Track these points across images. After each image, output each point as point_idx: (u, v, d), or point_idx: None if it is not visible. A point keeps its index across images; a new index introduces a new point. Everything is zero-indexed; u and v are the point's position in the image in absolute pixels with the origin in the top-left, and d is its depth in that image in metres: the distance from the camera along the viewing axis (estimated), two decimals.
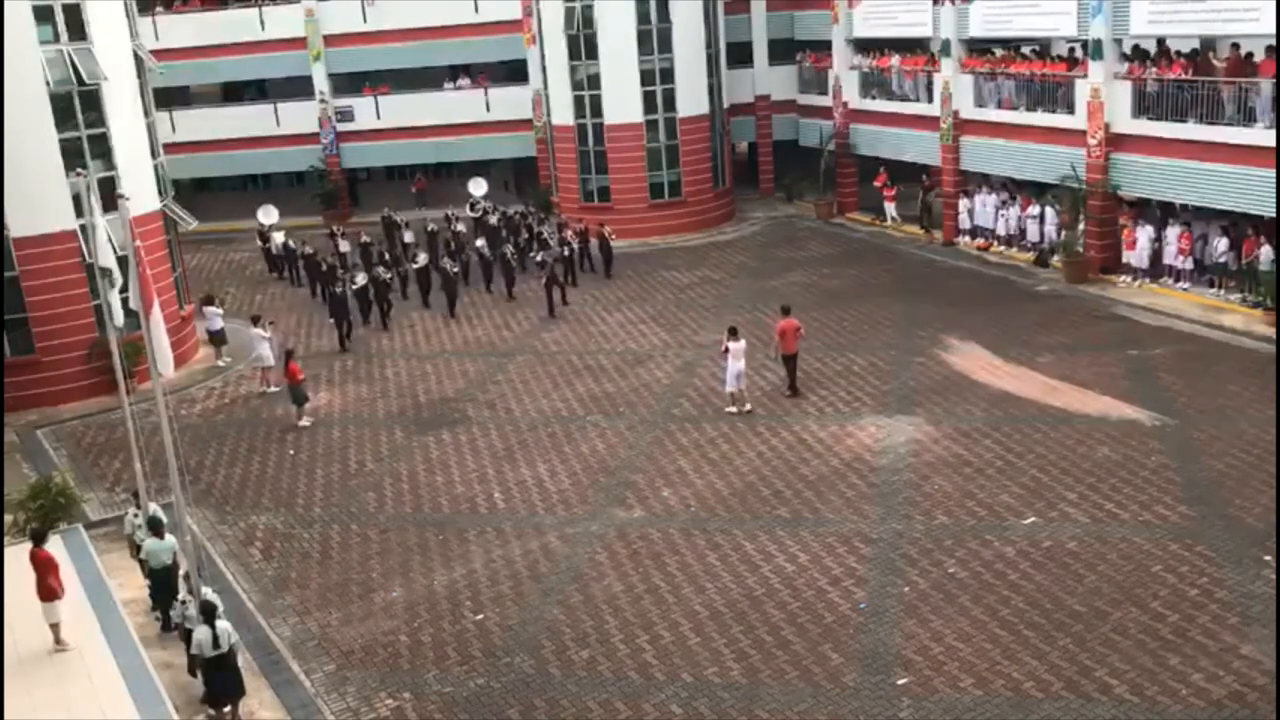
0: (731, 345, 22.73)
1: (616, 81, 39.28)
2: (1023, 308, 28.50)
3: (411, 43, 44.74)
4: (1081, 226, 30.50)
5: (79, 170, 22.97)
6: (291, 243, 37.06)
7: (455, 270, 32.71)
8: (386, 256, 35.33)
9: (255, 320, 27.46)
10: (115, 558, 18.53)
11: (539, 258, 33.80)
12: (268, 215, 39.95)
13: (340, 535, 19.32)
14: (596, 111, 39.83)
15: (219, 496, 21.30)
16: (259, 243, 39.68)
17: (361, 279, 31.79)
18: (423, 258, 33.46)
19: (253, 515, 20.38)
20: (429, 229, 36.65)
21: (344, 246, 37.14)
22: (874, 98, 39.20)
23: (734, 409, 23.04)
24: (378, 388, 26.73)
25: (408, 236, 37.37)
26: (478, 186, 41.89)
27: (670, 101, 39.78)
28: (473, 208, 40.48)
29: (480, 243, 35.07)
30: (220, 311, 29.77)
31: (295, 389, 24.66)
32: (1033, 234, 32.97)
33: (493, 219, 38.60)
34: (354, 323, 30.55)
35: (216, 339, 29.32)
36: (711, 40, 40.65)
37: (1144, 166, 28.75)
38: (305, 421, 24.57)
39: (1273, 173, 24.94)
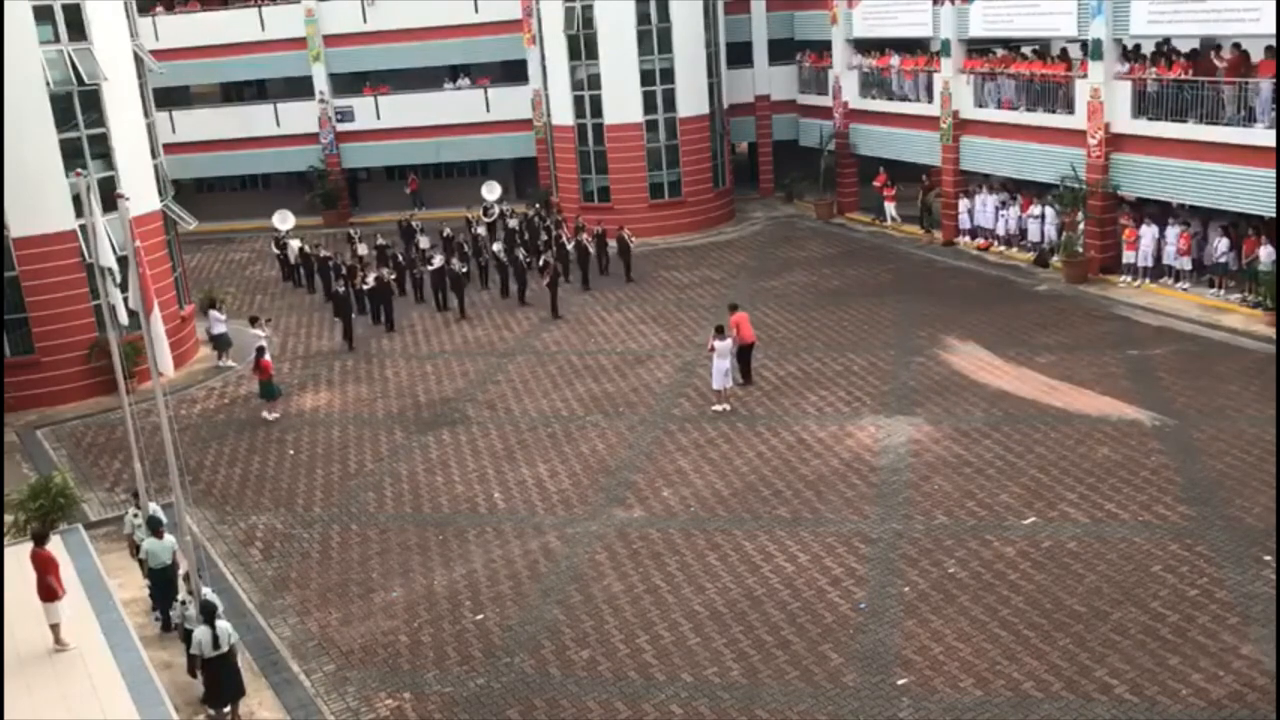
0: (717, 344, 22.84)
1: (616, 81, 39.28)
2: (1022, 308, 28.50)
3: (411, 43, 44.80)
4: (1081, 227, 30.50)
5: (79, 170, 22.98)
6: (307, 248, 36.94)
7: (464, 270, 32.74)
8: (400, 258, 35.39)
9: (254, 321, 27.43)
10: (115, 558, 18.55)
11: (543, 259, 33.80)
12: (283, 221, 39.41)
13: (340, 535, 19.32)
14: (596, 111, 39.82)
15: (219, 496, 21.30)
16: (274, 250, 39.48)
17: (371, 280, 31.83)
18: (438, 260, 33.48)
19: (253, 515, 20.38)
20: (444, 234, 36.62)
21: (361, 249, 37.11)
22: (874, 98, 39.20)
23: (722, 407, 23.11)
24: (378, 388, 26.73)
25: (424, 241, 37.35)
26: (491, 190, 41.77)
27: (670, 101, 39.77)
28: (486, 212, 40.40)
29: (497, 246, 35.05)
30: (223, 316, 29.65)
31: (266, 384, 25.17)
32: (1033, 234, 32.96)
33: (512, 222, 38.59)
34: (355, 321, 30.51)
35: (220, 342, 29.19)
36: (711, 40, 40.64)
37: (1144, 166, 28.76)
38: (274, 415, 25.06)
39: (1273, 173, 24.94)
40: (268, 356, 25.59)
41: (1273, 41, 25.31)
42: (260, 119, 46.85)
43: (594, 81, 39.57)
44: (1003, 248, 34.05)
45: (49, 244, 26.17)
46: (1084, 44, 30.05)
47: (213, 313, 29.53)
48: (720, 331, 23.33)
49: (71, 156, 25.99)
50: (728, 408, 23.15)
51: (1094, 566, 16.12)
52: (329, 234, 43.03)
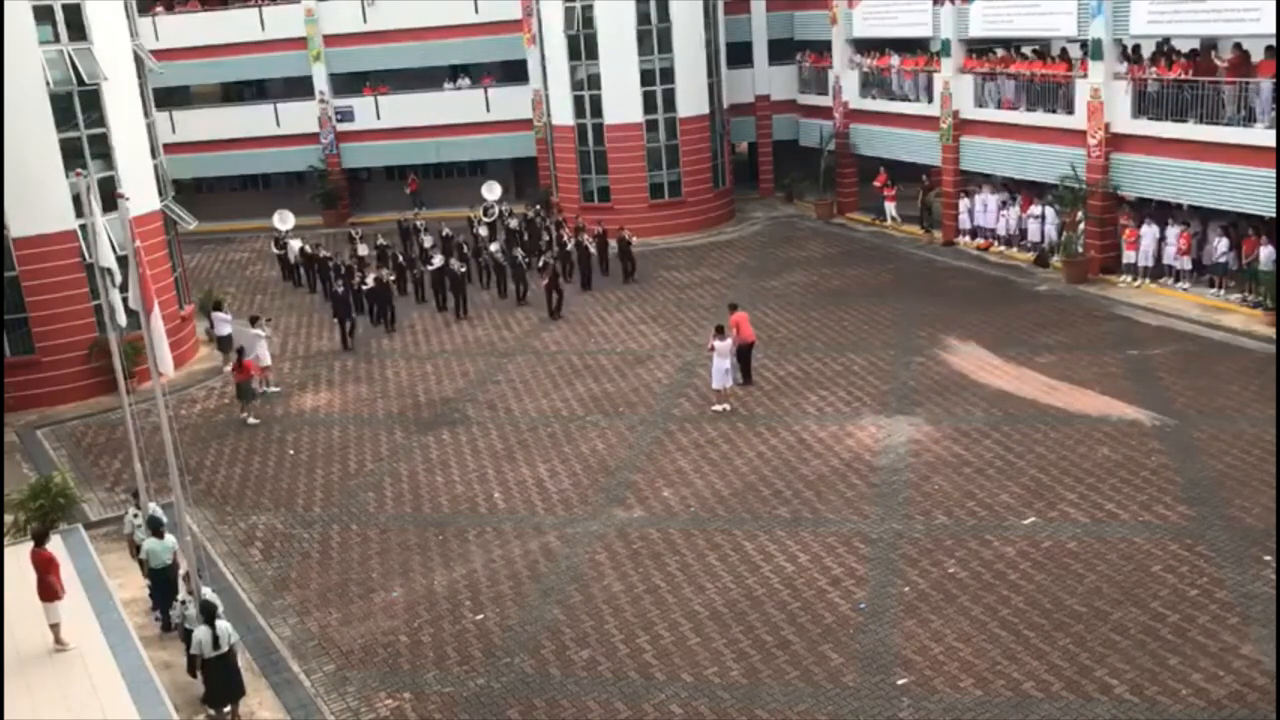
0: (717, 344, 22.85)
1: (616, 81, 39.28)
2: (1023, 308, 28.51)
3: (411, 43, 44.82)
4: (1081, 226, 30.51)
5: (79, 170, 22.98)
6: (308, 248, 36.97)
7: (463, 271, 32.76)
8: (400, 258, 35.40)
9: (254, 320, 27.42)
10: (115, 558, 18.55)
11: (542, 260, 33.80)
12: (284, 221, 39.42)
13: (340, 535, 19.32)
14: (596, 111, 39.83)
15: (219, 496, 21.30)
16: (274, 250, 39.47)
17: (370, 280, 31.84)
18: (438, 259, 33.50)
19: (253, 515, 20.38)
20: (443, 233, 36.64)
21: (362, 249, 37.10)
22: (874, 98, 39.20)
23: (722, 407, 23.13)
24: (378, 388, 26.73)
25: (426, 241, 37.37)
26: (491, 190, 41.80)
27: (670, 101, 39.78)
28: (486, 212, 40.41)
29: (494, 247, 35.06)
30: (229, 317, 29.54)
31: (242, 385, 25.08)
32: (1033, 234, 32.97)
33: (512, 222, 38.63)
34: (355, 321, 30.52)
35: (224, 345, 29.03)
36: (711, 40, 40.65)
37: (1144, 166, 28.76)
38: (253, 420, 24.90)
39: (1273, 173, 24.94)
40: (249, 358, 25.46)
41: (1273, 41, 25.31)
42: (260, 119, 46.86)
43: (594, 81, 39.58)
44: (1003, 248, 34.05)
45: (49, 244, 26.16)
46: (1084, 44, 30.06)
47: (217, 314, 29.42)
48: (720, 331, 23.35)
49: (71, 156, 25.97)
50: (728, 408, 23.15)
51: (1094, 566, 16.12)
52: (329, 234, 43.06)
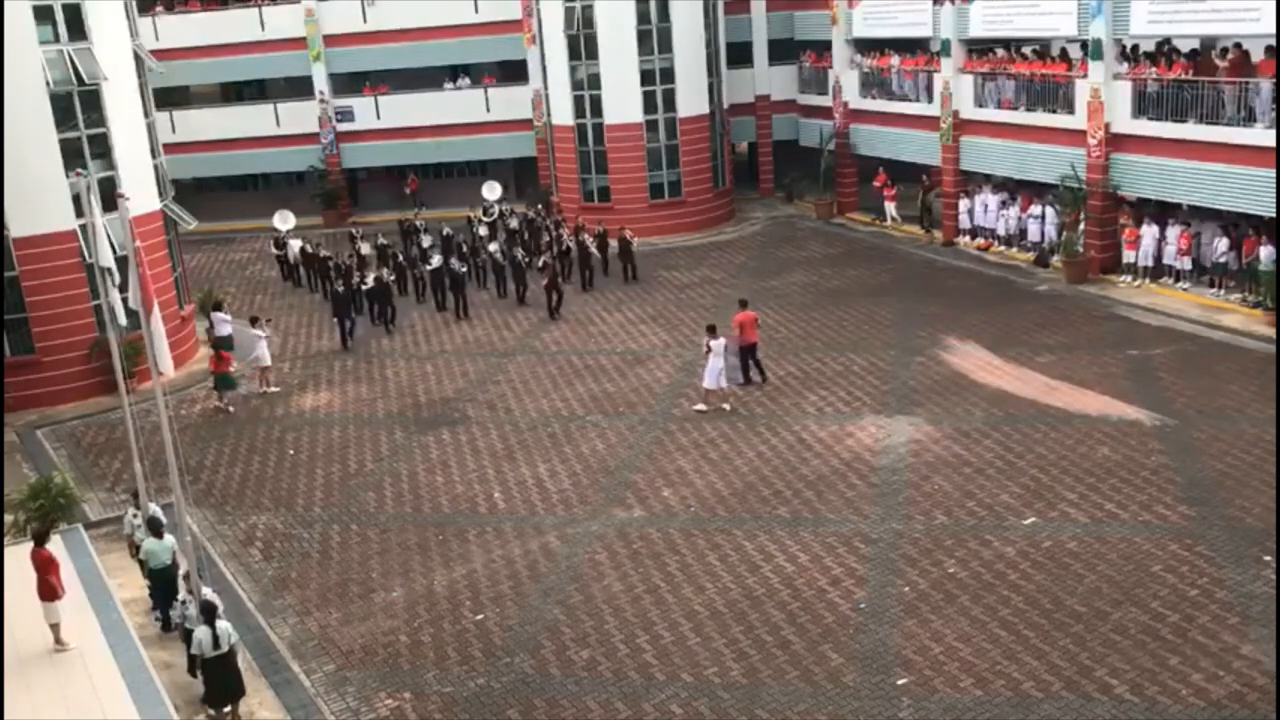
0: (712, 344, 22.83)
1: (616, 81, 39.29)
2: (1023, 308, 28.51)
3: (411, 43, 44.82)
4: (1081, 226, 30.51)
5: (79, 170, 22.98)
6: (309, 247, 36.95)
7: (463, 271, 32.74)
8: (400, 258, 35.41)
9: (254, 321, 27.42)
10: (115, 558, 18.54)
11: (541, 260, 33.81)
12: (284, 221, 39.36)
13: (340, 535, 19.32)
14: (596, 111, 39.84)
15: (219, 496, 21.30)
16: (274, 250, 39.46)
17: (370, 279, 31.83)
18: (437, 259, 33.48)
19: (253, 515, 20.38)
20: (444, 233, 36.64)
21: (364, 249, 37.09)
22: (874, 98, 39.21)
23: (704, 406, 23.12)
24: (378, 388, 26.74)
25: (426, 241, 37.37)
26: (491, 190, 41.79)
27: (670, 101, 39.79)
28: (486, 212, 40.39)
29: (494, 247, 35.05)
30: (229, 317, 29.51)
31: (223, 376, 25.76)
32: (1033, 234, 32.97)
33: (512, 222, 38.63)
34: (355, 321, 30.51)
35: (224, 345, 28.94)
36: (711, 40, 40.66)
37: (1144, 166, 28.76)
38: (231, 408, 25.63)
39: (1273, 173, 24.95)
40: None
41: (1273, 41, 25.31)
42: (260, 119, 46.85)
43: (594, 81, 39.59)
44: (1003, 248, 34.06)
45: (49, 244, 26.15)
46: (1084, 44, 30.07)
47: (217, 314, 29.39)
48: (713, 331, 23.18)
49: (71, 156, 25.97)
50: (727, 407, 23.10)
51: (1094, 566, 16.12)
52: (329, 234, 43.06)
